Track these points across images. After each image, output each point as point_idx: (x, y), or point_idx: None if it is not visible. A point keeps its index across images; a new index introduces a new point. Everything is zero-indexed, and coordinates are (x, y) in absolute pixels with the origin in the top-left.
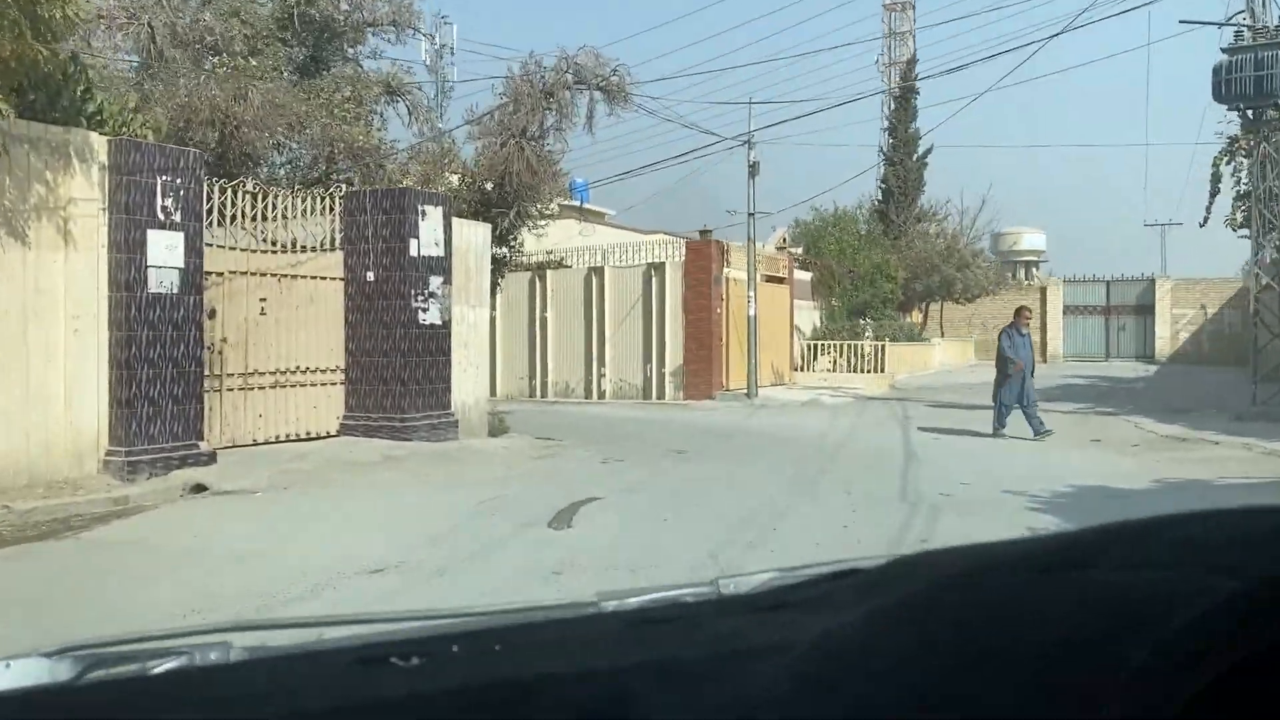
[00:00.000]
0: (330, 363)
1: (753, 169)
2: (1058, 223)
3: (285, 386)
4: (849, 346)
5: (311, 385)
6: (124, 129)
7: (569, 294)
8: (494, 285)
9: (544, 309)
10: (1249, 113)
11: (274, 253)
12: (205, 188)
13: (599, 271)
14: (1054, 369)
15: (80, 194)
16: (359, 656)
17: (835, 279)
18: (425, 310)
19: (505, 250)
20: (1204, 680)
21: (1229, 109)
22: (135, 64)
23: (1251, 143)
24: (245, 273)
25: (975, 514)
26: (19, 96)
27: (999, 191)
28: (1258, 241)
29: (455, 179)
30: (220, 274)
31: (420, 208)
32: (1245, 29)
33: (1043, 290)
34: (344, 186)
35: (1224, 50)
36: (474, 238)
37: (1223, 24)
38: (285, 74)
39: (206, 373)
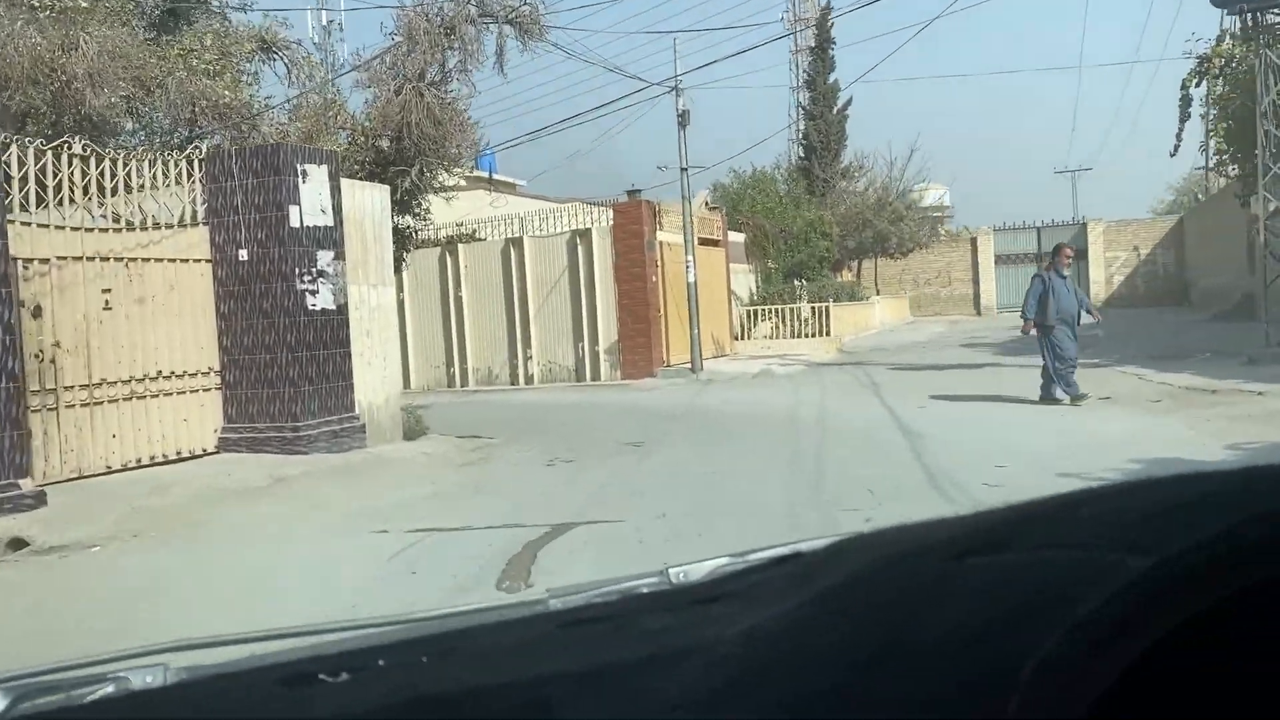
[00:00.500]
0: (201, 364)
1: (682, 117)
2: (966, 176)
3: (145, 397)
4: (789, 311)
5: (179, 393)
6: None
7: (485, 269)
8: (399, 262)
9: (458, 287)
10: (1249, 17)
11: (119, 231)
12: (8, 151)
13: (517, 243)
14: (995, 321)
15: None
16: (285, 675)
17: (769, 239)
18: (314, 293)
19: (410, 220)
20: (1119, 664)
21: (1228, 12)
22: None
23: (1250, 50)
24: (80, 258)
25: None
26: None
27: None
28: (1264, 164)
29: (346, 137)
30: (45, 260)
31: (300, 168)
32: None
33: (973, 240)
34: (204, 149)
35: None
36: (370, 202)
37: None
38: (136, 27)
39: (35, 388)
